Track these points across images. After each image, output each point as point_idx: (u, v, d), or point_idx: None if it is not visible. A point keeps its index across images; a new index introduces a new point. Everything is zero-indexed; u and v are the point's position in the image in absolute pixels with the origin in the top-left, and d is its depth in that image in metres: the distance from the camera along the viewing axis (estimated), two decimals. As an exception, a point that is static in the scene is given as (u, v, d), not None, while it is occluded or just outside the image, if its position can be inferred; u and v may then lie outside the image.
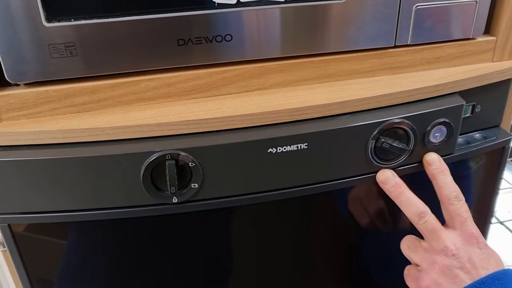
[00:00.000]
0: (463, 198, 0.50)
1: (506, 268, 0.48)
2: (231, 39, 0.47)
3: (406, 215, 0.50)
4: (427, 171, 0.52)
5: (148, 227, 0.50)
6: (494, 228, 1.06)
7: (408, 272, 0.53)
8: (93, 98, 0.47)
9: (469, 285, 0.46)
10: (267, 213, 0.52)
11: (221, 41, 0.47)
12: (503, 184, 1.21)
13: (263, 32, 0.48)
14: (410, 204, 0.50)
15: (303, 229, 0.56)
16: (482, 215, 0.63)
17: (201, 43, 0.47)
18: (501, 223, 1.08)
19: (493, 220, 1.09)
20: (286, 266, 0.59)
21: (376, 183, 0.52)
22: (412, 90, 0.51)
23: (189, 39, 0.46)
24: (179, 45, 0.46)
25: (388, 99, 0.50)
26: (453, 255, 0.48)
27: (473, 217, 0.50)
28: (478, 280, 0.46)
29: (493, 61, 0.57)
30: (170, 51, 0.47)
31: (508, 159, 1.29)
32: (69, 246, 0.52)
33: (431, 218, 0.49)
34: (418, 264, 0.51)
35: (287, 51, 0.50)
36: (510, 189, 1.19)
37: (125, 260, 0.53)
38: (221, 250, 0.54)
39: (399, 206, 0.51)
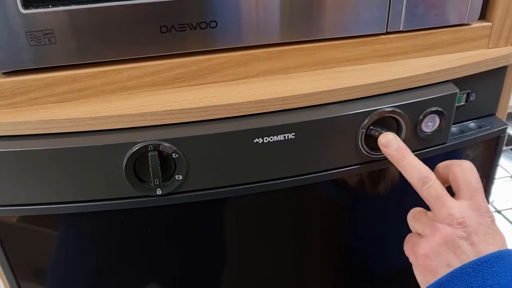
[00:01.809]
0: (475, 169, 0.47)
1: (509, 248, 0.45)
2: (216, 26, 0.46)
3: (409, 181, 0.47)
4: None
5: (132, 220, 0.49)
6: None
7: (408, 238, 0.50)
8: (74, 87, 0.46)
9: (472, 261, 0.43)
10: (255, 205, 0.51)
11: (205, 27, 0.46)
12: (501, 173, 1.20)
13: (249, 18, 0.47)
14: (414, 168, 0.46)
15: (292, 221, 0.55)
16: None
17: (185, 30, 0.45)
18: (499, 212, 1.07)
19: (491, 209, 1.08)
20: (276, 259, 0.57)
21: (368, 173, 0.50)
22: (404, 78, 0.49)
23: (172, 26, 0.45)
24: (162, 32, 0.45)
25: (379, 87, 0.48)
26: (459, 223, 0.44)
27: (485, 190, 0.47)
28: (481, 258, 0.43)
29: (488, 48, 0.55)
30: (153, 39, 0.45)
31: (507, 147, 1.28)
32: (52, 240, 0.51)
33: (435, 184, 0.45)
34: (420, 232, 0.48)
35: (274, 38, 0.48)
36: (509, 178, 1.17)
37: (109, 253, 0.52)
38: (208, 243, 0.53)
39: (402, 172, 0.47)
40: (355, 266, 0.64)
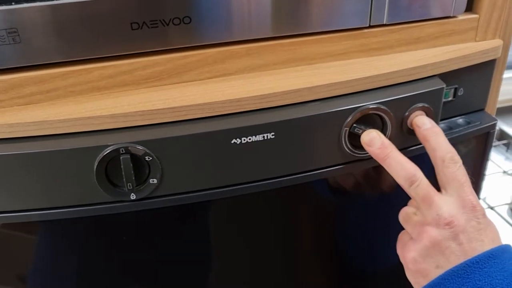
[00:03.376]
0: (460, 160, 0.45)
1: (503, 244, 0.43)
2: (190, 22, 0.44)
3: (396, 180, 0.45)
4: (417, 135, 0.47)
5: (107, 226, 0.47)
6: (484, 214, 1.04)
7: (400, 236, 0.48)
8: (42, 88, 0.44)
9: (463, 263, 0.42)
10: (234, 208, 0.49)
11: (179, 24, 0.43)
12: (494, 168, 1.18)
13: (225, 13, 0.44)
14: (400, 166, 0.44)
15: (275, 224, 0.53)
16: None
17: (157, 26, 0.43)
18: (492, 208, 1.06)
19: (484, 205, 1.06)
20: (259, 264, 0.55)
21: (354, 173, 0.48)
22: (389, 73, 0.47)
23: (144, 22, 0.43)
24: (133, 29, 0.43)
25: (362, 83, 0.47)
26: (446, 224, 0.42)
27: (472, 182, 0.45)
28: (472, 259, 0.41)
29: (475, 41, 0.53)
30: (123, 36, 0.43)
31: (499, 142, 1.26)
32: (26, 247, 0.48)
33: (423, 182, 0.44)
34: (410, 233, 0.47)
35: (253, 34, 0.46)
36: (501, 173, 1.16)
37: (85, 260, 0.50)
38: (186, 248, 0.51)
39: (388, 170, 0.45)
40: (344, 267, 0.63)
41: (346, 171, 0.48)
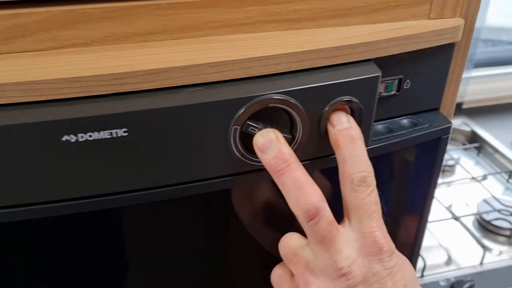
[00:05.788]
0: (374, 183, 0.34)
1: None
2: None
3: (290, 207, 0.33)
4: (329, 137, 0.35)
5: None
6: (448, 225, 0.92)
7: (277, 274, 0.36)
8: None
9: None
10: (74, 228, 0.36)
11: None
12: (462, 174, 1.07)
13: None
14: (298, 191, 0.32)
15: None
16: (411, 223, 0.48)
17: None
18: (456, 219, 0.94)
19: (448, 215, 0.95)
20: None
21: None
22: (302, 52, 0.34)
23: None
24: None
25: (263, 65, 0.33)
26: (343, 275, 0.32)
27: (384, 213, 0.34)
28: None
29: (429, 18, 0.41)
30: None
31: (470, 145, 1.15)
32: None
33: (325, 218, 0.32)
34: (294, 276, 0.35)
35: (114, -12, 0.33)
36: (469, 179, 1.05)
37: None
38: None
39: (282, 192, 0.33)
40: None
41: (239, 183, 0.35)
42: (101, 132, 0.30)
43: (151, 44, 0.35)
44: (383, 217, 0.34)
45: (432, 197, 0.45)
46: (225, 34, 0.36)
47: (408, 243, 0.48)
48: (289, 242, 0.35)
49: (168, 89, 0.31)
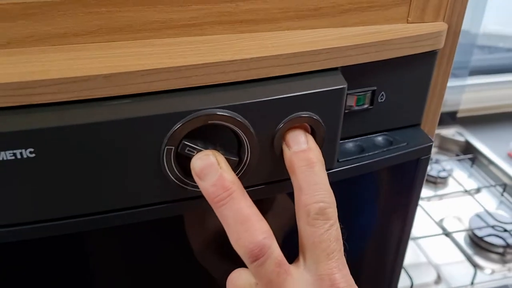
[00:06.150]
0: (335, 216, 0.29)
1: None
2: None
3: (232, 244, 0.28)
4: (284, 159, 0.30)
5: None
6: (438, 241, 0.87)
7: None
8: None
9: None
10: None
11: None
12: (455, 187, 1.02)
13: None
14: (240, 226, 0.27)
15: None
16: (390, 252, 0.43)
17: None
18: (447, 234, 0.89)
19: (438, 230, 0.90)
20: None
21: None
22: (253, 59, 0.29)
23: None
24: None
25: (204, 73, 0.28)
26: None
27: (346, 250, 0.29)
28: None
29: (407, 22, 0.36)
30: None
31: (464, 156, 1.10)
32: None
33: (271, 259, 0.27)
34: None
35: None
36: (462, 192, 1.00)
37: None
38: None
39: (223, 225, 0.28)
40: None
41: (177, 211, 0.30)
42: (2, 153, 0.25)
43: (79, 48, 0.29)
44: (345, 256, 0.29)
45: (410, 227, 0.40)
46: (166, 36, 0.31)
47: (381, 284, 0.43)
48: (237, 281, 0.30)
49: (88, 101, 0.26)
